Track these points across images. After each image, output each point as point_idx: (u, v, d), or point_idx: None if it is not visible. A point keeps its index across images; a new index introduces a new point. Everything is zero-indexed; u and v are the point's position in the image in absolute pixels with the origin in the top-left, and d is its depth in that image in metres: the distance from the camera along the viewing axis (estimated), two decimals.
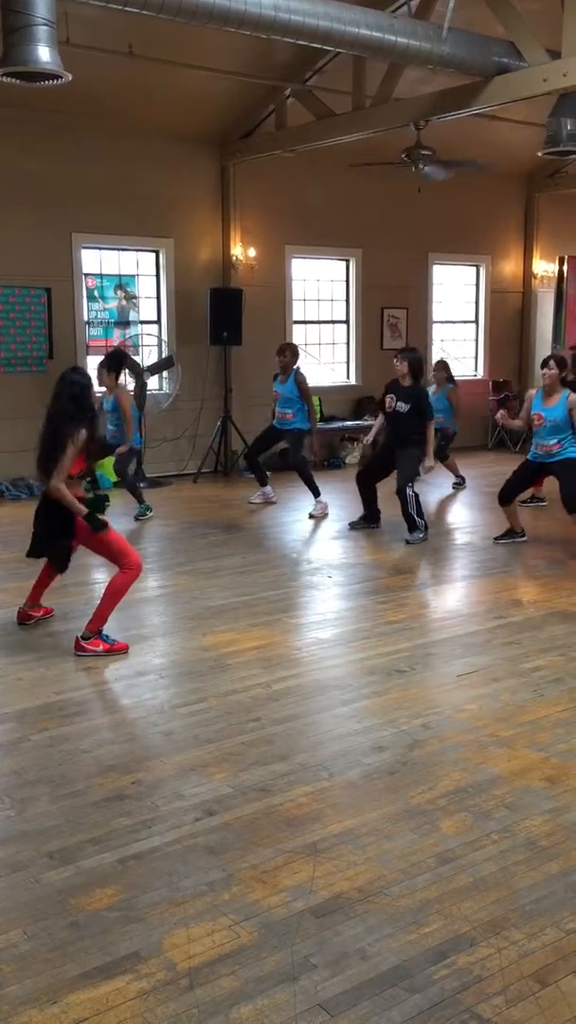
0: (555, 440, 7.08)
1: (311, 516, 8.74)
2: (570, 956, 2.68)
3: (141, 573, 5.32)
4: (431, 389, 10.00)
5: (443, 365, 10.14)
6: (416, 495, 7.71)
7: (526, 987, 2.55)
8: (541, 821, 3.40)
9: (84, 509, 4.99)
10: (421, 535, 7.68)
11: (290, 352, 9.00)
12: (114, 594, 5.15)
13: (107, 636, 5.16)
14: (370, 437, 8.25)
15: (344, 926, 2.82)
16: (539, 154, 8.85)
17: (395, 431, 7.87)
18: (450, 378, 10.06)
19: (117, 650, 5.12)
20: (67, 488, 4.98)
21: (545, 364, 7.12)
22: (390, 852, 3.20)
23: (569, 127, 8.34)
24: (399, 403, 7.77)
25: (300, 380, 8.90)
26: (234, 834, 3.32)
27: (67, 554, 5.22)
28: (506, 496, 7.52)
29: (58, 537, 5.13)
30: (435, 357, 11.64)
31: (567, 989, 2.55)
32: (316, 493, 8.83)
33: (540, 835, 3.32)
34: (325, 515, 8.76)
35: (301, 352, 9.20)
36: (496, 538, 7.71)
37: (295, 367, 8.94)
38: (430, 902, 2.92)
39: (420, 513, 7.75)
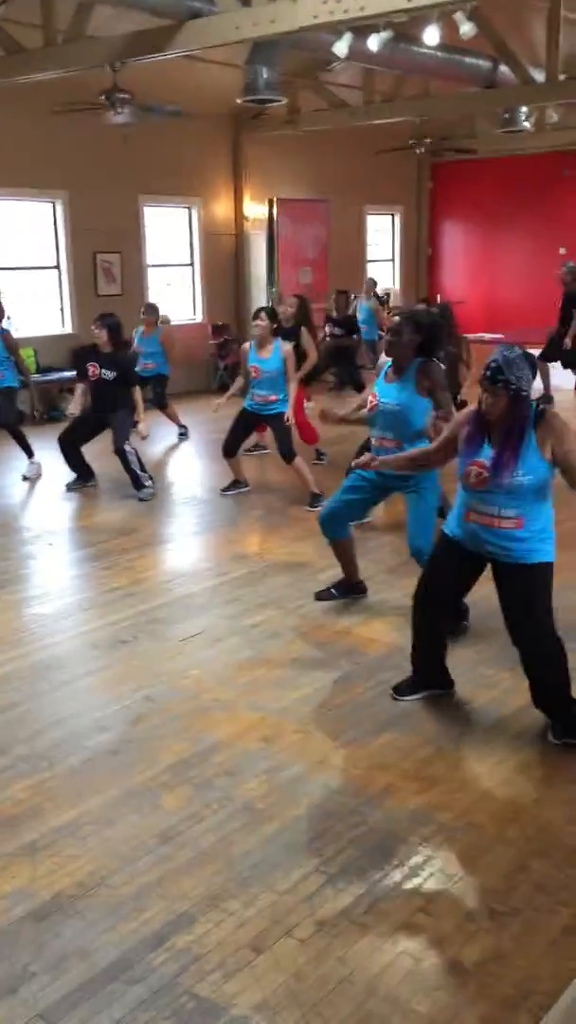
0: (272, 392, 7.24)
1: (25, 478, 8.41)
2: (283, 918, 2.83)
3: None
4: (139, 331, 9.83)
5: (152, 309, 9.97)
6: (135, 450, 7.66)
7: (242, 957, 2.67)
8: (257, 783, 3.55)
9: None
10: (151, 490, 7.67)
11: None
12: None
13: None
14: (75, 407, 7.88)
15: (65, 926, 2.81)
16: (238, 101, 8.82)
17: (101, 397, 7.70)
18: (158, 321, 9.94)
19: None
20: None
21: (256, 316, 7.24)
22: (112, 839, 3.22)
23: (266, 75, 8.39)
24: (104, 371, 7.64)
25: (7, 337, 8.39)
26: None
27: None
28: (229, 449, 7.62)
29: None
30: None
31: (280, 952, 2.69)
32: (29, 454, 8.48)
33: (256, 797, 3.46)
34: (39, 476, 8.45)
35: (3, 302, 8.64)
36: (223, 490, 7.82)
37: None
38: (150, 886, 2.98)
39: (143, 468, 7.72)
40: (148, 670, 4.53)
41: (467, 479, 3.66)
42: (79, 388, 7.92)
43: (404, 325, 4.73)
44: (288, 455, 7.28)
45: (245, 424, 7.61)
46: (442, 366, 5.15)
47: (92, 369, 7.65)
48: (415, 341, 4.76)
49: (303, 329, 8.19)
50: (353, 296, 12.28)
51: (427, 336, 4.78)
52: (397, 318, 4.82)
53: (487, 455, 3.59)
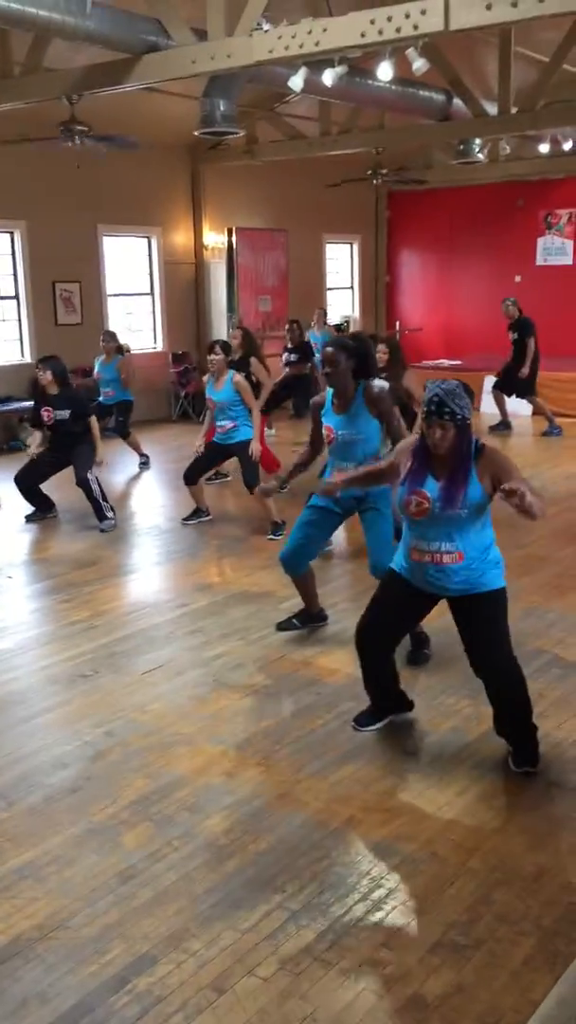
0: (230, 421, 7.27)
1: None
2: (245, 957, 2.81)
3: None
4: (100, 359, 9.88)
5: (111, 335, 10.01)
6: (97, 479, 7.64)
7: (204, 998, 2.65)
8: (220, 819, 3.53)
9: None
10: (112, 521, 7.65)
11: None
12: None
13: None
14: (34, 451, 7.85)
15: (24, 970, 2.76)
16: (195, 134, 8.90)
17: (60, 437, 7.70)
18: (120, 348, 9.98)
19: None
20: None
21: (211, 350, 7.27)
22: (71, 879, 3.18)
23: (222, 108, 8.46)
24: (57, 412, 7.61)
25: None
26: None
27: None
28: (190, 476, 7.62)
29: None
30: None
31: (242, 991, 2.67)
32: None
33: (219, 833, 3.43)
34: None
35: None
36: (184, 519, 7.81)
37: None
38: (111, 927, 2.94)
39: (105, 498, 7.70)
40: (109, 704, 4.50)
41: (407, 508, 3.68)
42: (37, 434, 7.89)
43: (338, 354, 4.82)
44: (253, 485, 7.29)
45: (211, 455, 7.60)
46: (384, 388, 5.20)
47: (47, 414, 7.64)
48: (351, 367, 4.85)
49: (253, 359, 8.31)
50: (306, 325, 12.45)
51: (359, 358, 4.89)
52: (329, 349, 4.89)
53: (431, 487, 3.63)
